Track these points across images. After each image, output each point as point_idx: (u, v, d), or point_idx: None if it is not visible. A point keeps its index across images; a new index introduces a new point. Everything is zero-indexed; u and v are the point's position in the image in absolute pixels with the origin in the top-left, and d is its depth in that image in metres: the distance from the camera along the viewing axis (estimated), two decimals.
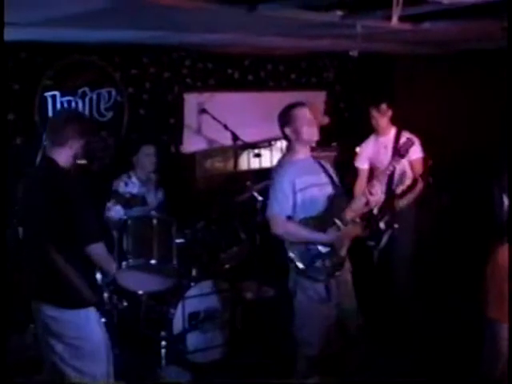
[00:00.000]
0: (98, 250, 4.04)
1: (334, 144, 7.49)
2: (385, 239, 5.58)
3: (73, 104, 6.28)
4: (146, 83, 6.87)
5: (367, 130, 6.32)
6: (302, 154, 4.71)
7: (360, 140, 6.39)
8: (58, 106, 6.16)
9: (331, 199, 4.61)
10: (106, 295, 4.58)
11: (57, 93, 6.15)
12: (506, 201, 3.91)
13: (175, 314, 5.48)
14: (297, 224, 4.53)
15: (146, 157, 5.98)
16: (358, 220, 4.67)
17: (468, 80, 7.27)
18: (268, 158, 7.66)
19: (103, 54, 6.46)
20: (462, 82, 7.36)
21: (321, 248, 4.52)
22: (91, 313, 4.14)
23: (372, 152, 6.25)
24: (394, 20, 3.92)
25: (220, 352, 5.70)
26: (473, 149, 6.94)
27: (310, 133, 4.64)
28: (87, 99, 6.41)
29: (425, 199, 6.04)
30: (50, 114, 6.07)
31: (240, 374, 5.38)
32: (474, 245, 5.10)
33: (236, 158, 7.19)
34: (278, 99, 7.32)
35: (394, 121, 6.20)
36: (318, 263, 4.50)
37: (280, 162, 4.81)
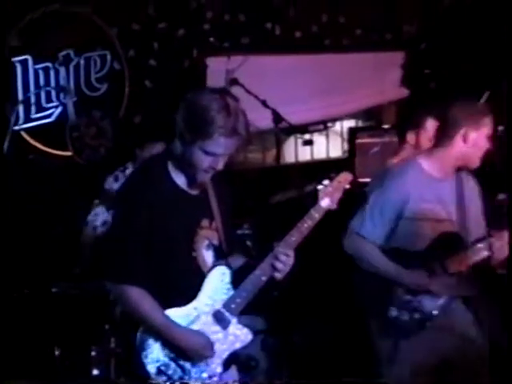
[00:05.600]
0: None
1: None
2: None
3: (51, 73, 6.23)
4: (153, 43, 6.86)
5: None
6: (445, 171, 4.52)
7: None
8: (31, 74, 6.12)
9: (446, 239, 4.49)
10: None
11: (28, 57, 6.15)
12: None
13: None
14: (377, 249, 4.50)
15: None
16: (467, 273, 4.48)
17: None
18: (323, 147, 7.64)
19: (94, 2, 6.45)
20: None
21: (401, 294, 4.47)
22: None
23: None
24: None
25: None
26: None
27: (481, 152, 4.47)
28: (72, 66, 6.39)
29: None
30: (20, 85, 6.05)
31: None
32: None
33: (279, 147, 7.08)
34: (338, 64, 7.23)
35: None
36: (393, 312, 4.45)
37: (400, 168, 4.60)
